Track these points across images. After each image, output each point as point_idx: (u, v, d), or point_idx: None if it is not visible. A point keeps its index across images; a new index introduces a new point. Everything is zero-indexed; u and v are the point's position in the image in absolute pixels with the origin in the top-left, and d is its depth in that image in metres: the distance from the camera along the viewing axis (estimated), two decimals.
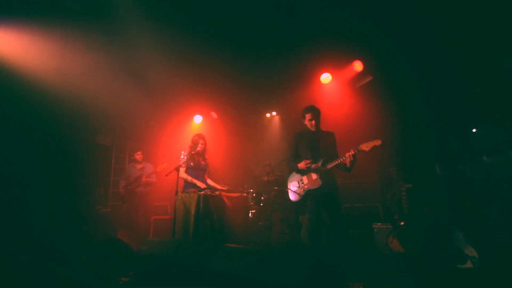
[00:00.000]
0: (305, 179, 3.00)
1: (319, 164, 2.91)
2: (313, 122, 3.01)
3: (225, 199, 3.39)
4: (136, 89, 5.39)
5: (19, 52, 3.93)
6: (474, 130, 3.93)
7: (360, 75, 5.03)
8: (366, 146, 2.71)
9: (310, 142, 3.01)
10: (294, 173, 3.16)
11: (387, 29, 3.94)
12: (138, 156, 5.30)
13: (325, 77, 5.21)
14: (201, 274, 1.99)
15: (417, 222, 3.33)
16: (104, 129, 6.17)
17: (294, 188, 3.11)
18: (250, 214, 4.69)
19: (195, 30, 4.16)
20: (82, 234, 4.45)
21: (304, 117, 3.07)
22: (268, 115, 6.76)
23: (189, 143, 3.81)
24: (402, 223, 3.35)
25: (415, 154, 4.26)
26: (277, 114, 6.72)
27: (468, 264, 2.74)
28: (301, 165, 2.95)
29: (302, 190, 3.00)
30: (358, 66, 4.84)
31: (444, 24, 3.59)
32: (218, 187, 3.63)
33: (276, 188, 5.00)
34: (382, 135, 2.72)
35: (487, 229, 3.03)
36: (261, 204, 4.83)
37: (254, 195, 4.88)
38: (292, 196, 3.15)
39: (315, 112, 3.03)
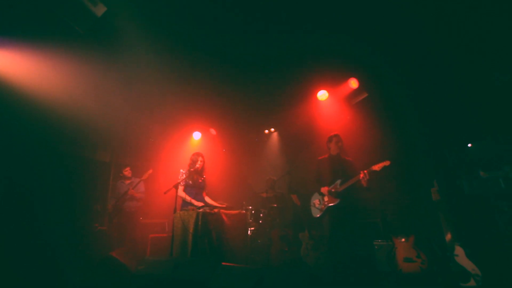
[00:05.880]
0: (326, 197, 3.48)
1: (338, 184, 3.41)
2: (340, 144, 3.60)
3: (224, 217, 3.37)
4: (136, 106, 5.48)
5: (24, 71, 4.02)
6: (469, 145, 3.96)
7: (356, 92, 5.14)
8: (377, 167, 3.08)
9: (333, 166, 3.52)
10: (316, 193, 3.62)
11: (381, 46, 4.07)
12: (127, 172, 5.23)
13: (322, 94, 5.31)
14: None
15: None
16: (104, 145, 6.19)
17: (317, 206, 3.57)
18: (249, 231, 4.63)
19: (194, 49, 4.28)
20: (78, 253, 4.36)
21: (331, 141, 3.63)
22: (266, 131, 6.84)
23: (188, 161, 3.83)
24: (403, 240, 3.32)
25: (413, 169, 4.27)
26: (275, 131, 6.79)
27: (472, 283, 2.69)
28: (324, 190, 3.48)
29: (323, 206, 3.46)
30: (353, 83, 4.96)
31: (438, 39, 3.70)
32: (217, 204, 3.61)
33: (275, 205, 4.96)
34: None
35: (488, 246, 3.00)
36: (260, 221, 4.78)
37: (253, 212, 4.84)
38: (315, 213, 3.58)
39: (340, 137, 3.65)
